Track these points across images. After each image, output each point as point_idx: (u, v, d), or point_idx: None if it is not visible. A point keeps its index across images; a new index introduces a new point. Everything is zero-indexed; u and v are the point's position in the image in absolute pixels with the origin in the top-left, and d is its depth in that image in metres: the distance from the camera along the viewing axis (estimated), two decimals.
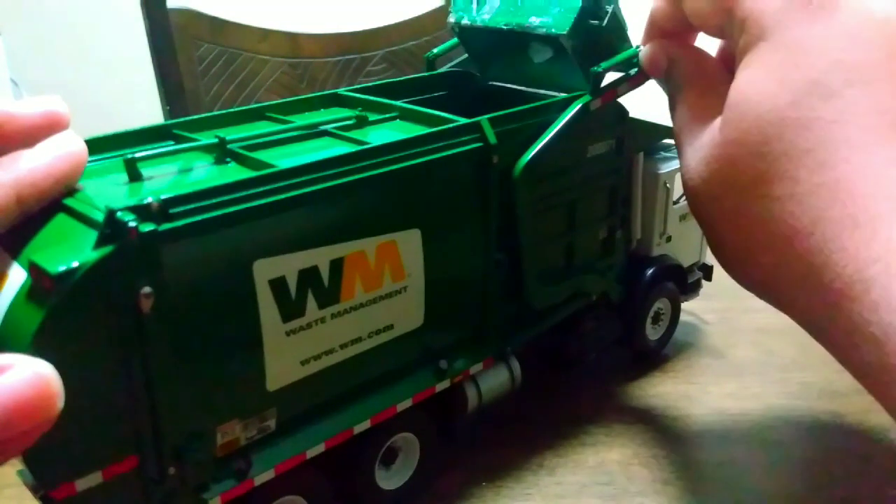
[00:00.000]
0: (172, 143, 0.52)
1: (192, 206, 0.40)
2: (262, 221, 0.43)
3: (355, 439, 0.51)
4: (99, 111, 2.20)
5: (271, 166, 0.46)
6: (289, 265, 0.45)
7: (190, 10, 1.60)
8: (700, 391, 0.69)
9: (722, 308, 0.82)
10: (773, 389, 0.69)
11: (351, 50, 1.70)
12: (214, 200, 0.41)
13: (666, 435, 0.63)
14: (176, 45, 1.62)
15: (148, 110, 1.56)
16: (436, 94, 0.66)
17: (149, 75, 1.61)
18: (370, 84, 0.64)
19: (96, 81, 2.44)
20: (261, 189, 0.43)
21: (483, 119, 0.53)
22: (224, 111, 0.56)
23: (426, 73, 0.69)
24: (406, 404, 0.53)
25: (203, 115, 0.55)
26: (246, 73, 1.69)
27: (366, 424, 0.51)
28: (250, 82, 1.70)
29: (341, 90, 0.62)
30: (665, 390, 0.68)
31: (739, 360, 0.73)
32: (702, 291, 0.77)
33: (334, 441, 0.50)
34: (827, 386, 0.69)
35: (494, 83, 0.69)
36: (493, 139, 0.53)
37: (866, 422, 0.64)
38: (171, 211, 0.40)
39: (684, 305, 0.75)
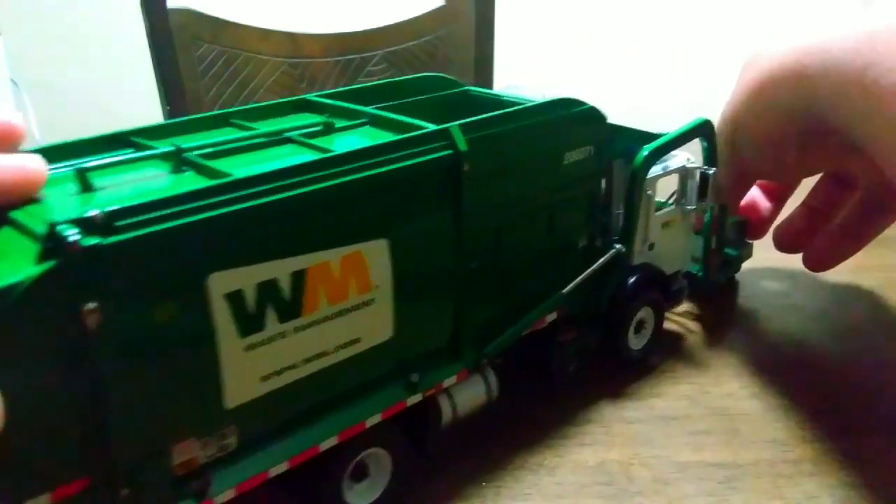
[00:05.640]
0: (132, 150, 0.51)
1: (140, 218, 0.39)
2: (216, 233, 0.42)
3: (322, 456, 0.49)
4: (99, 111, 2.21)
5: (228, 175, 0.44)
6: (246, 278, 0.43)
7: (190, 10, 1.59)
8: (700, 391, 0.68)
9: (722, 308, 0.82)
10: (773, 389, 0.68)
11: (351, 50, 1.70)
12: (164, 212, 0.40)
13: (666, 435, 0.62)
14: (176, 45, 1.62)
15: (148, 110, 1.56)
16: (412, 100, 0.64)
17: (149, 75, 1.61)
18: (342, 89, 0.63)
19: (96, 81, 2.45)
20: (214, 200, 0.41)
21: (453, 125, 0.52)
22: (186, 118, 0.54)
23: (402, 78, 0.67)
24: (375, 419, 0.51)
25: (164, 123, 0.53)
26: (246, 73, 1.69)
27: (332, 441, 0.49)
28: (250, 82, 1.69)
29: (310, 95, 0.60)
30: (665, 390, 0.68)
31: (739, 360, 0.73)
32: (703, 292, 0.78)
33: (299, 459, 0.48)
34: (827, 386, 0.69)
35: (473, 88, 0.67)
36: (463, 146, 0.51)
37: (868, 422, 0.64)
38: (117, 223, 0.38)
39: (684, 305, 0.75)
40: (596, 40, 2.46)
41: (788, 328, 0.79)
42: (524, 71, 2.27)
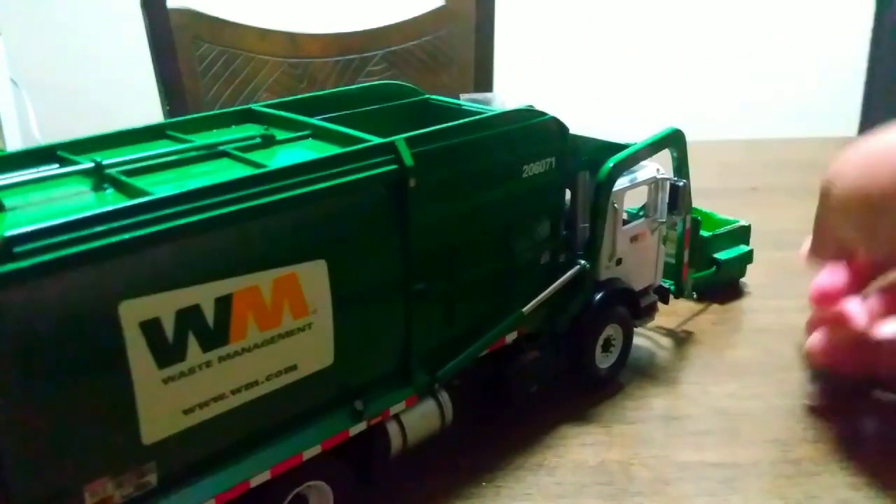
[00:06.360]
0: (57, 165, 0.48)
1: (43, 243, 0.36)
2: (129, 257, 0.39)
3: (254, 492, 0.46)
4: (99, 111, 2.20)
5: (148, 194, 0.41)
6: (164, 305, 0.40)
7: (190, 10, 1.59)
8: (700, 391, 0.68)
9: (722, 309, 0.81)
10: (773, 389, 0.67)
11: (351, 50, 1.69)
12: (69, 236, 0.37)
13: (666, 435, 0.62)
14: (176, 45, 1.61)
15: (148, 110, 1.55)
16: (366, 109, 0.61)
17: (149, 75, 1.60)
18: (293, 98, 0.59)
19: (96, 81, 2.45)
20: (127, 222, 0.39)
21: (398, 139, 0.49)
22: (119, 129, 0.51)
23: (360, 86, 0.64)
24: (314, 451, 0.48)
25: (95, 135, 0.50)
26: (246, 73, 1.68)
27: (265, 476, 0.46)
28: (250, 82, 1.69)
29: (255, 105, 0.57)
30: (665, 390, 0.68)
31: (739, 360, 0.72)
32: (703, 292, 0.78)
33: (227, 496, 0.45)
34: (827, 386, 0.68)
35: (433, 97, 0.64)
36: (409, 161, 0.48)
37: (869, 422, 0.64)
38: (17, 250, 0.35)
39: (685, 303, 0.74)
40: (596, 40, 2.42)
41: (789, 328, 0.77)
42: (524, 71, 2.23)
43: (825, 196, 0.61)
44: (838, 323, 0.60)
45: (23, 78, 2.27)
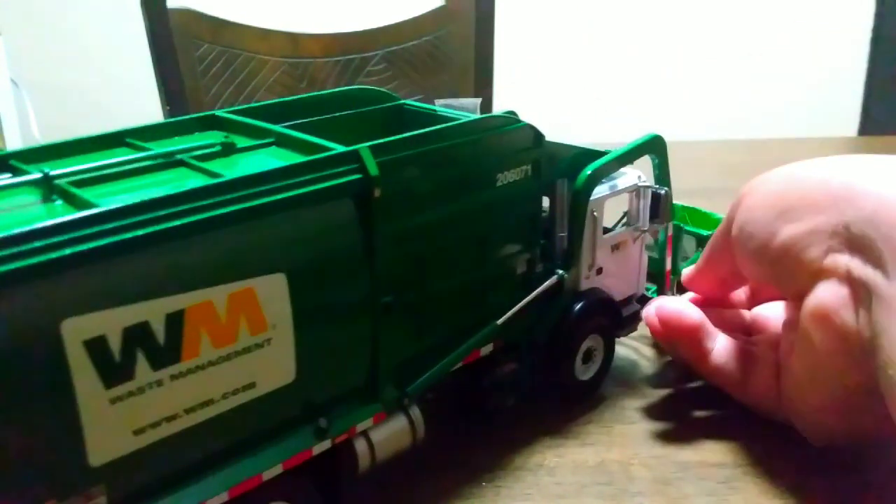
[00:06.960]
0: (10, 175, 0.46)
1: None
2: (72, 273, 0.37)
3: None
4: (99, 111, 2.20)
5: (94, 206, 0.40)
6: (110, 322, 0.39)
7: (190, 10, 1.59)
8: (701, 392, 0.67)
9: None
10: None
11: (351, 50, 1.69)
12: (8, 252, 0.35)
13: (666, 435, 0.61)
14: (176, 45, 1.62)
15: (148, 110, 1.56)
16: (337, 115, 0.60)
17: (149, 75, 1.60)
18: (263, 104, 0.58)
19: (96, 81, 2.45)
20: (70, 236, 0.37)
21: (363, 147, 0.47)
22: (77, 137, 0.50)
23: (332, 91, 0.63)
24: (275, 471, 0.47)
25: (49, 143, 0.49)
26: (246, 73, 1.68)
27: (222, 497, 0.45)
28: (250, 82, 1.69)
29: (219, 111, 0.55)
30: (666, 391, 0.67)
31: None
32: None
33: None
34: None
35: (408, 102, 0.62)
36: (374, 170, 0.47)
37: None
38: None
39: None
40: (596, 40, 2.40)
41: None
42: (524, 71, 2.22)
43: (731, 218, 0.59)
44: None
45: (23, 78, 2.27)
